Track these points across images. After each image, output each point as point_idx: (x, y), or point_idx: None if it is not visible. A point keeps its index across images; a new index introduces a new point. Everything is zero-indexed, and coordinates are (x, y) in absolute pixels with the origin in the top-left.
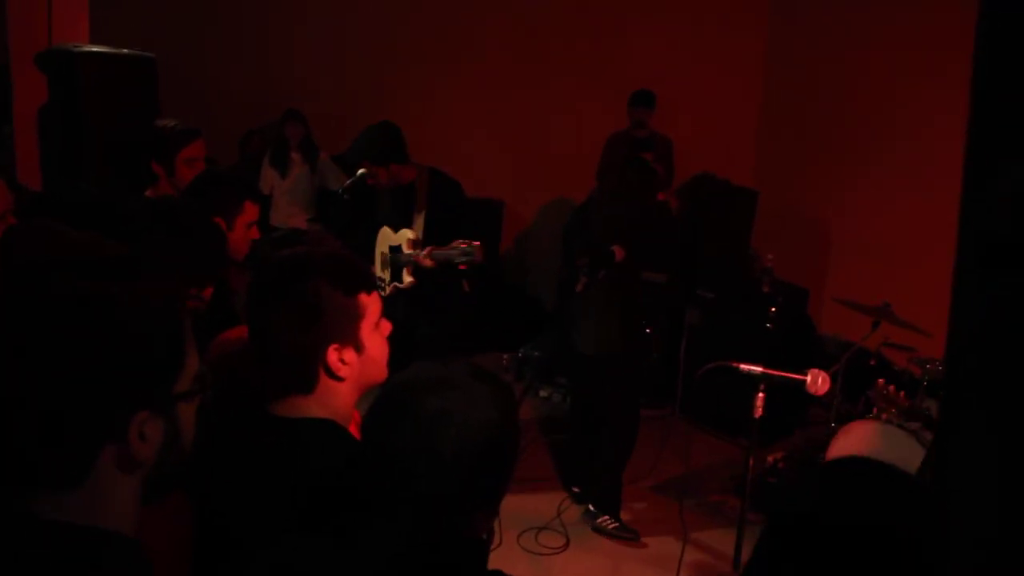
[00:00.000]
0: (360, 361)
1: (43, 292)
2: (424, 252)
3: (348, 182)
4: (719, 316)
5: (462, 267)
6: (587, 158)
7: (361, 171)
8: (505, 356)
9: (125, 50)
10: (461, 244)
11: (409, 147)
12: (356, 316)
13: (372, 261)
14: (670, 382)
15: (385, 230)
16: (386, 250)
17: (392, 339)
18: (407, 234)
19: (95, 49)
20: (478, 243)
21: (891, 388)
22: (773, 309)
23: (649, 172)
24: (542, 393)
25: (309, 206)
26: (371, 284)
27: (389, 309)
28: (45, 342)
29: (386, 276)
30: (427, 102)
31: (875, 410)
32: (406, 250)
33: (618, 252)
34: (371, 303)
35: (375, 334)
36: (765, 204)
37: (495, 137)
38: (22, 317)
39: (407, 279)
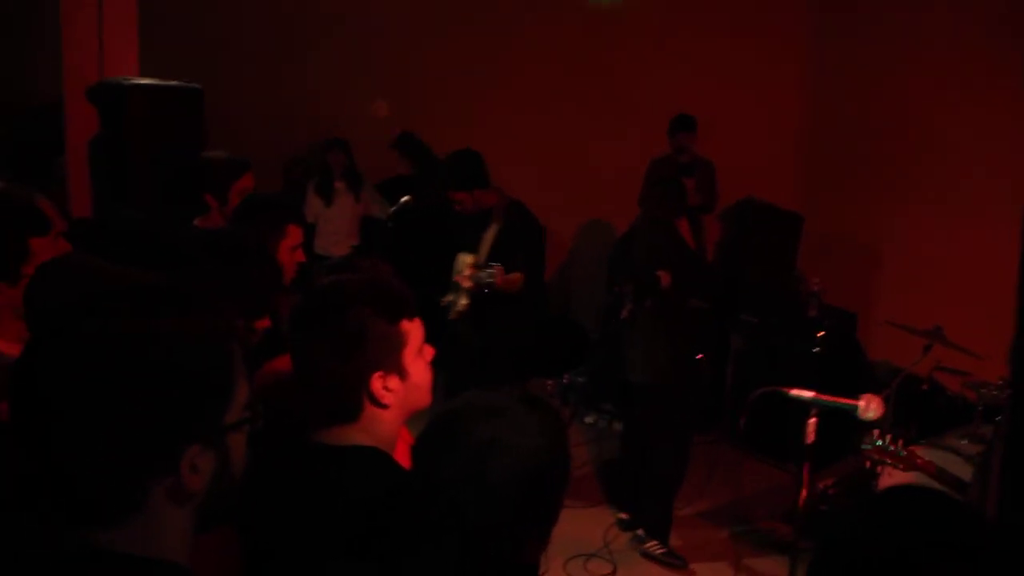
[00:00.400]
0: (404, 388)
1: (82, 331)
2: (467, 272)
3: (392, 209)
4: (764, 341)
5: (487, 291)
6: (628, 182)
7: (405, 199)
8: (549, 383)
9: (174, 82)
10: (487, 270)
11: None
12: (399, 343)
13: (432, 286)
14: (717, 407)
15: (460, 256)
16: (466, 269)
17: (463, 362)
18: (468, 259)
19: (144, 82)
20: (498, 268)
21: (887, 437)
22: (821, 333)
23: (675, 192)
24: (588, 420)
25: (353, 234)
26: (413, 310)
27: (464, 332)
28: (87, 385)
29: (458, 299)
30: (469, 128)
31: (868, 464)
32: (466, 271)
33: (663, 278)
34: (414, 330)
35: (418, 360)
36: (811, 228)
37: (535, 162)
38: (61, 359)
39: (461, 302)
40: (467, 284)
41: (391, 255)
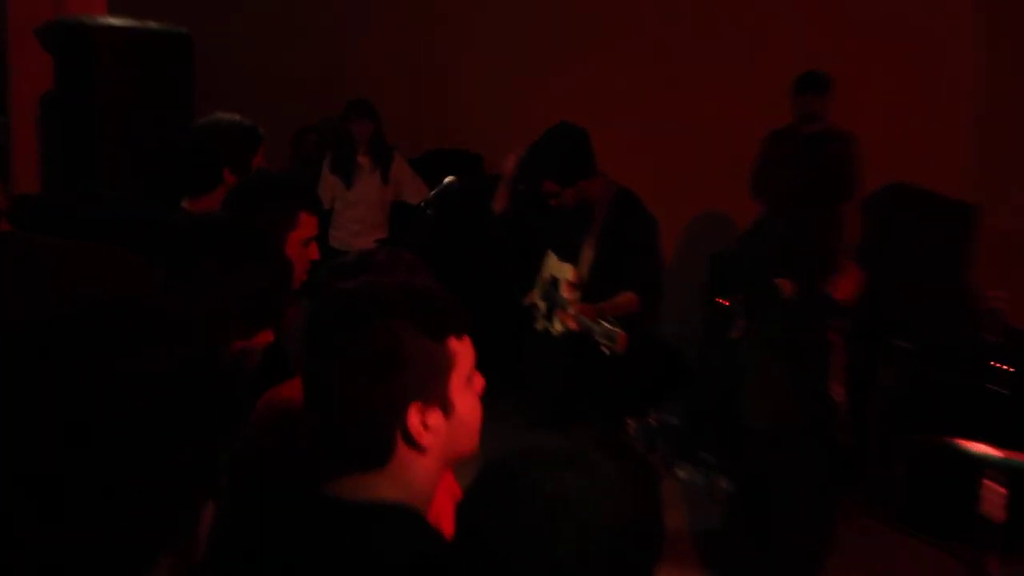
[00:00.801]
0: (448, 426)
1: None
2: (573, 309)
3: (432, 193)
4: (923, 374)
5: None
6: (739, 162)
7: (449, 179)
8: (631, 422)
9: (153, 24)
10: (606, 325)
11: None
12: (445, 367)
13: (506, 288)
14: (858, 462)
15: (552, 256)
16: (547, 277)
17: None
18: (567, 272)
19: (115, 22)
20: (623, 334)
21: None
22: (1004, 367)
23: (806, 176)
24: (681, 474)
25: (380, 224)
26: (463, 326)
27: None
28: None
29: (542, 307)
30: (541, 100)
31: None
32: (563, 292)
33: (785, 286)
34: (463, 351)
35: (467, 392)
36: (991, 225)
37: (626, 141)
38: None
39: (558, 327)
40: (571, 324)
41: (429, 252)
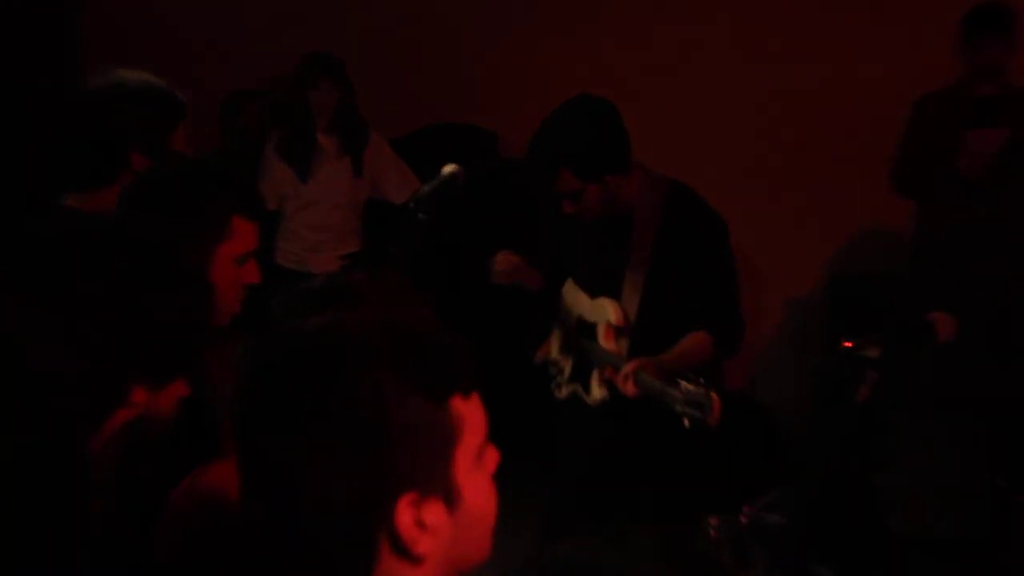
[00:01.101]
0: (453, 523)
1: None
2: (628, 368)
3: (425, 188)
4: None
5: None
6: (864, 144)
7: (449, 168)
8: (713, 522)
9: None
10: (687, 385)
11: None
12: (448, 440)
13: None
14: None
15: (572, 289)
16: (572, 322)
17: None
18: (608, 311)
19: None
20: (716, 396)
21: None
22: None
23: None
24: None
25: (350, 232)
26: (473, 380)
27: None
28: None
29: (566, 366)
30: (575, 65)
31: None
32: (604, 342)
33: (942, 324)
34: (472, 416)
35: (477, 473)
36: None
37: (720, 119)
38: None
39: (597, 392)
40: (627, 389)
41: (421, 274)
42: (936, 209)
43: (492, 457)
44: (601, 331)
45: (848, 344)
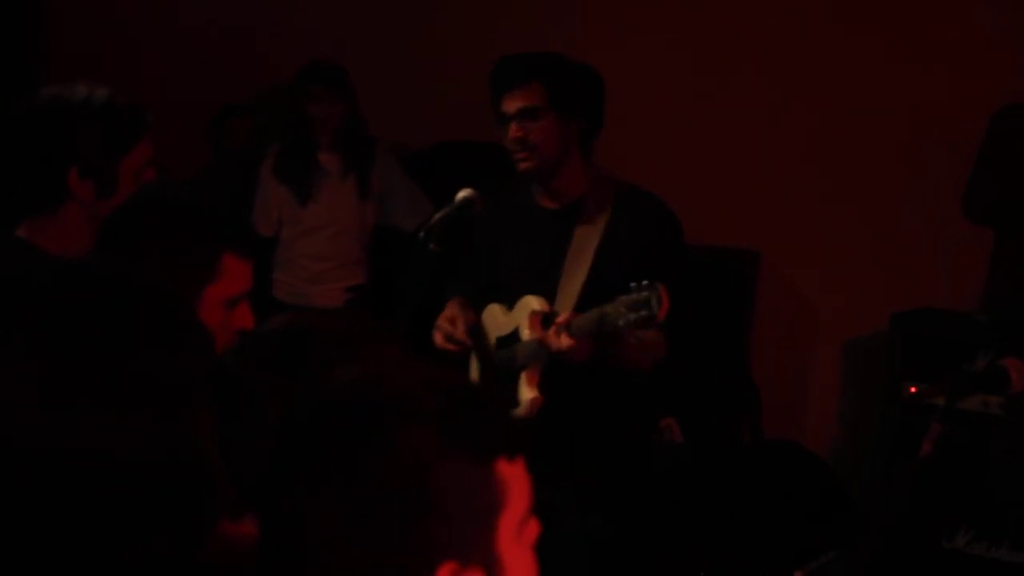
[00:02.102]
0: None
1: None
2: (560, 320)
3: (438, 216)
4: None
5: (630, 335)
6: (949, 163)
7: (464, 193)
8: None
9: None
10: (631, 294)
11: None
12: (493, 507)
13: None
14: None
15: (495, 309)
16: (491, 341)
17: None
18: (530, 303)
19: None
20: (663, 288)
21: None
22: None
23: None
24: None
25: (355, 262)
26: (520, 443)
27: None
28: None
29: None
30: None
31: None
32: (526, 334)
33: (1014, 371)
34: (517, 482)
35: (519, 545)
36: None
37: (762, 147)
38: None
39: (527, 394)
40: (565, 342)
41: (434, 310)
42: (1015, 237)
43: (533, 529)
44: (525, 328)
45: (914, 390)
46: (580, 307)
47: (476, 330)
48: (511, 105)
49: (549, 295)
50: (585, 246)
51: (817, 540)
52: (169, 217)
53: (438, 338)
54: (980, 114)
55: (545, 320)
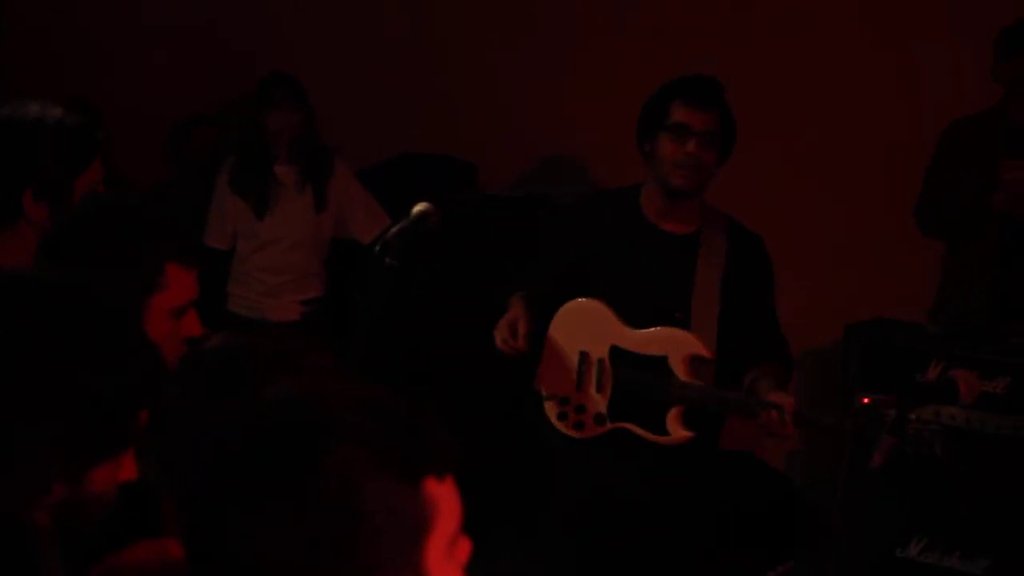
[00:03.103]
0: None
1: None
2: (789, 405)
3: (394, 229)
4: None
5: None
6: (900, 177)
7: (420, 207)
8: None
9: None
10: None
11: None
12: (421, 526)
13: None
14: None
15: (597, 309)
16: (604, 354)
17: None
18: (689, 343)
19: None
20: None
21: None
22: None
23: None
24: None
25: (312, 275)
26: (449, 460)
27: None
28: None
29: (592, 403)
30: (559, 94)
31: None
32: (681, 373)
33: (963, 383)
34: (447, 501)
35: (448, 564)
36: None
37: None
38: None
39: (679, 432)
40: (791, 431)
41: (392, 324)
42: (965, 249)
43: (464, 548)
44: (678, 364)
45: (867, 400)
46: (721, 343)
47: (536, 338)
48: (698, 122)
49: (681, 322)
50: (710, 278)
51: (775, 550)
52: (111, 228)
53: (498, 340)
54: (930, 128)
55: (702, 367)
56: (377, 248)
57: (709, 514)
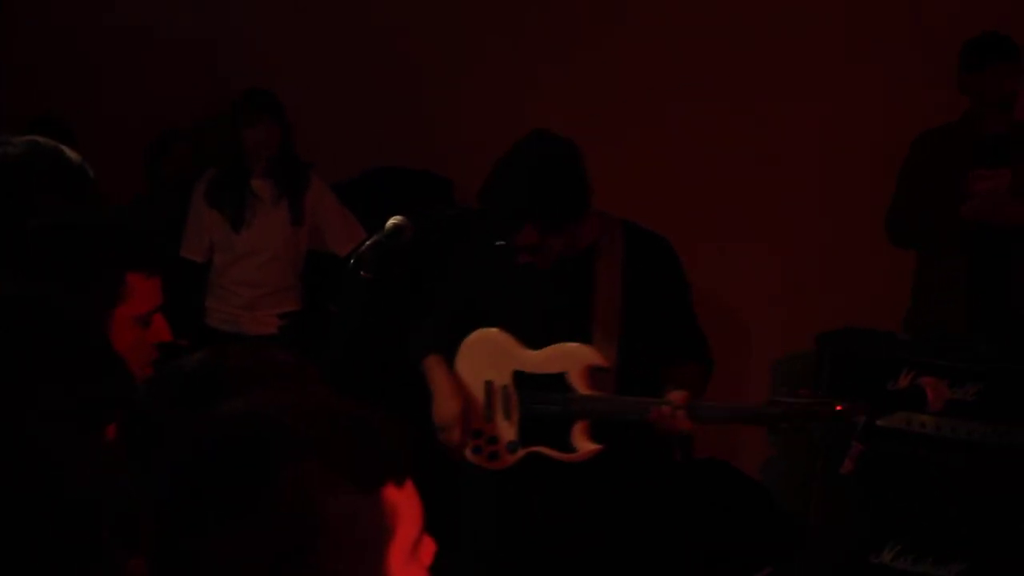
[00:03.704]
0: None
1: None
2: (677, 398)
3: (368, 243)
4: None
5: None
6: (871, 188)
7: (393, 221)
8: None
9: None
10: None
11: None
12: (381, 534)
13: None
14: None
15: (497, 338)
16: (507, 380)
17: None
18: (584, 354)
19: None
20: (681, 394)
21: None
22: None
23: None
24: None
25: (288, 288)
26: (405, 468)
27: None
28: None
29: (502, 431)
30: (536, 106)
31: None
32: (579, 386)
33: (931, 390)
34: (406, 506)
35: (412, 567)
36: None
37: (696, 166)
38: None
39: (586, 446)
40: (683, 423)
41: (367, 338)
42: (935, 259)
43: (428, 550)
44: (576, 378)
45: (839, 408)
46: (623, 348)
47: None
48: (523, 242)
49: (583, 336)
50: (611, 288)
51: (752, 557)
52: (68, 241)
53: (448, 437)
54: (902, 139)
55: (600, 377)
56: (352, 261)
57: (652, 522)
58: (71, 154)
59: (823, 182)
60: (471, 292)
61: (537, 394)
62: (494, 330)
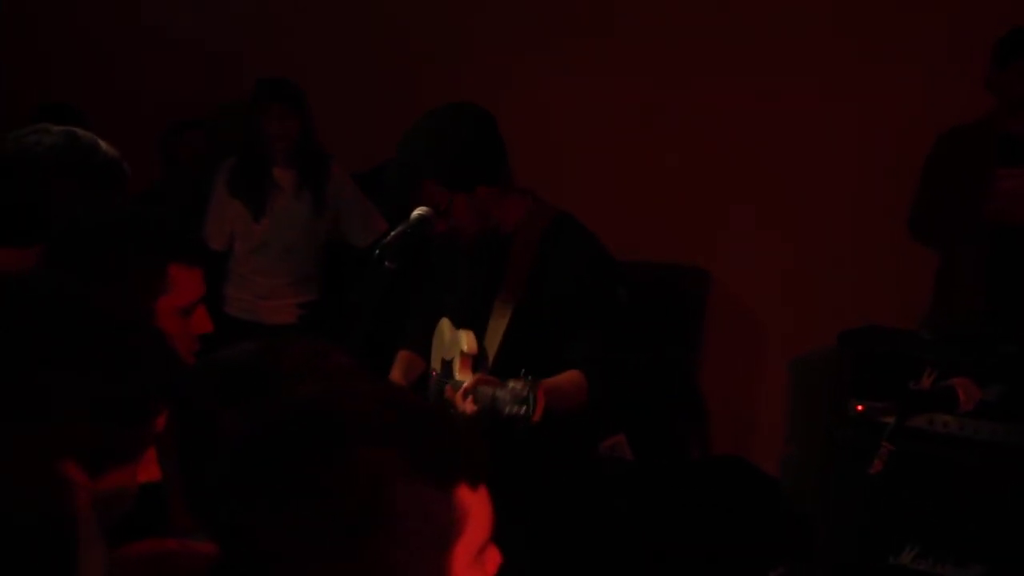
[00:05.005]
0: None
1: None
2: (468, 383)
3: (394, 233)
4: None
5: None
6: (896, 184)
7: (419, 211)
8: None
9: None
10: (517, 384)
11: (514, 162)
12: (449, 532)
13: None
14: None
15: (444, 325)
16: (438, 366)
17: None
18: (462, 340)
19: None
20: (541, 386)
21: None
22: None
23: None
24: None
25: (309, 278)
26: (482, 469)
27: None
28: None
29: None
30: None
31: None
32: (460, 375)
33: (962, 391)
34: (478, 510)
35: (476, 571)
36: None
37: (686, 154)
38: None
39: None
40: (469, 407)
41: (387, 328)
42: (959, 256)
43: (493, 559)
44: (457, 364)
45: (861, 408)
46: (507, 339)
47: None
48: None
49: (482, 324)
50: (517, 276)
51: (766, 555)
52: (113, 234)
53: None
54: (926, 136)
55: (474, 364)
56: (376, 252)
57: (600, 517)
58: (107, 147)
59: (844, 178)
60: (434, 283)
61: (435, 381)
62: (445, 319)
